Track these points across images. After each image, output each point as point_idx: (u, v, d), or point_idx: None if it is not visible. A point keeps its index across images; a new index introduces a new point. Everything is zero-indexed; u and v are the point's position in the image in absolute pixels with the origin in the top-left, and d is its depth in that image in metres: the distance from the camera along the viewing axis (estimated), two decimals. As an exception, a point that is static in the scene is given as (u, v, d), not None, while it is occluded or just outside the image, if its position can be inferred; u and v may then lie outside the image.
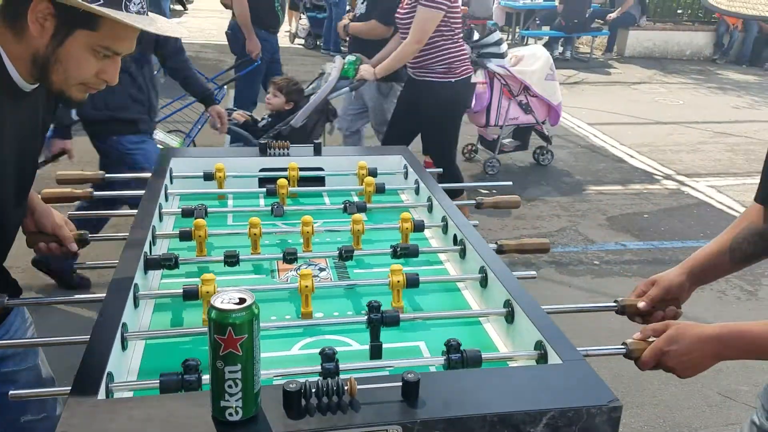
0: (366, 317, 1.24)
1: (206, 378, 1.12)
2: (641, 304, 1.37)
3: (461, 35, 3.68)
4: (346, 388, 0.99)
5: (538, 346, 1.20)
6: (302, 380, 0.99)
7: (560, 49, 10.85)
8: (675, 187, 5.37)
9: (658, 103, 8.16)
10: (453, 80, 3.61)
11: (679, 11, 11.81)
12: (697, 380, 2.72)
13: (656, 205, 4.92)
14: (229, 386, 0.92)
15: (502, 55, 5.09)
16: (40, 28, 1.14)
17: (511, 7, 11.35)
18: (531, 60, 5.25)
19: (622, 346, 1.21)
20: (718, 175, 5.69)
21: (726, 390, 2.79)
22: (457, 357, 1.14)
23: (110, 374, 1.07)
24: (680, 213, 4.77)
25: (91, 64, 1.19)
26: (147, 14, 1.22)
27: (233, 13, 5.01)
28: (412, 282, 1.43)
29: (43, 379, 1.66)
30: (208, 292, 1.33)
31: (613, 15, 10.90)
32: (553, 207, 4.73)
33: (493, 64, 5.03)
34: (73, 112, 2.66)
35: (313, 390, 0.98)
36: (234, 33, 5.13)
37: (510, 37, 11.84)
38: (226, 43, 5.47)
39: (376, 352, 1.25)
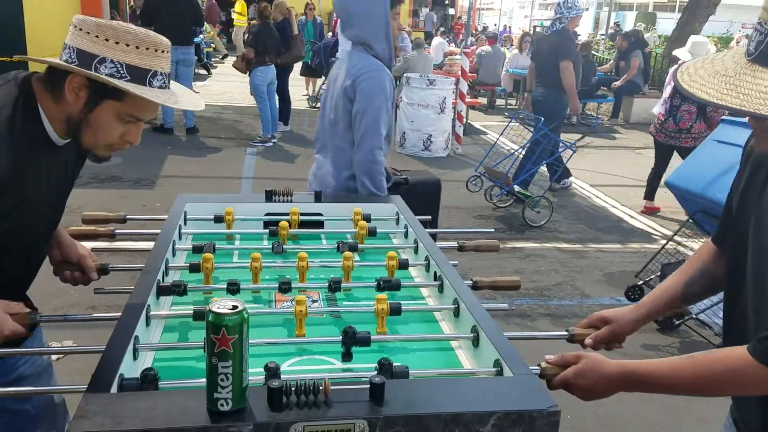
0: (341, 338, 1.42)
1: (176, 382, 1.30)
2: (588, 342, 1.54)
3: None
4: (321, 387, 1.16)
5: (496, 363, 1.36)
6: (284, 378, 1.16)
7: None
8: (672, 247, 5.50)
9: (661, 167, 8.37)
10: None
11: (683, 80, 12.15)
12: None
13: (653, 263, 5.04)
14: (222, 380, 1.10)
15: None
16: (74, 96, 1.37)
17: (519, 74, 11.79)
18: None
19: (537, 368, 1.37)
20: (715, 235, 5.82)
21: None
22: (386, 374, 1.28)
23: (122, 375, 1.25)
24: (676, 271, 4.89)
25: (117, 128, 1.41)
26: (168, 87, 1.43)
27: None
28: (395, 310, 1.61)
29: (55, 401, 1.84)
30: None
31: (618, 83, 11.28)
32: (551, 262, 4.88)
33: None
34: None
35: (293, 388, 1.15)
36: None
37: (518, 103, 12.26)
38: (245, 105, 5.82)
39: (347, 357, 1.44)
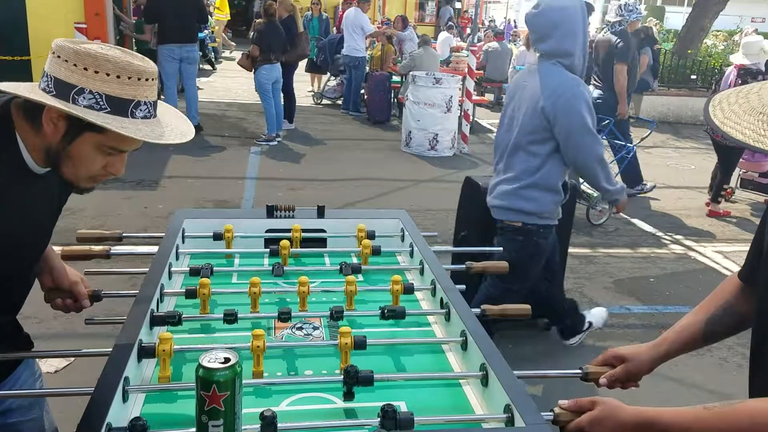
0: (342, 377, 1.34)
1: None
2: (602, 381, 1.45)
3: None
4: (320, 444, 1.08)
5: (507, 409, 1.29)
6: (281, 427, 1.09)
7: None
8: (682, 251, 5.41)
9: (670, 168, 8.26)
10: None
11: (693, 77, 12.02)
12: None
13: (663, 269, 4.96)
14: (213, 438, 1.02)
15: None
16: (53, 127, 1.27)
17: (527, 70, 11.63)
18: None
19: (550, 413, 1.29)
20: (725, 241, 5.73)
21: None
22: (390, 422, 1.21)
23: (109, 424, 1.17)
24: (686, 278, 4.81)
25: (98, 161, 1.32)
26: (155, 116, 1.32)
27: None
28: (359, 344, 1.51)
29: (46, 430, 1.76)
30: (164, 351, 1.41)
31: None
32: (560, 268, 4.79)
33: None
34: None
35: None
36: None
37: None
38: (250, 102, 5.75)
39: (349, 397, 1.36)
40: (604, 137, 6.11)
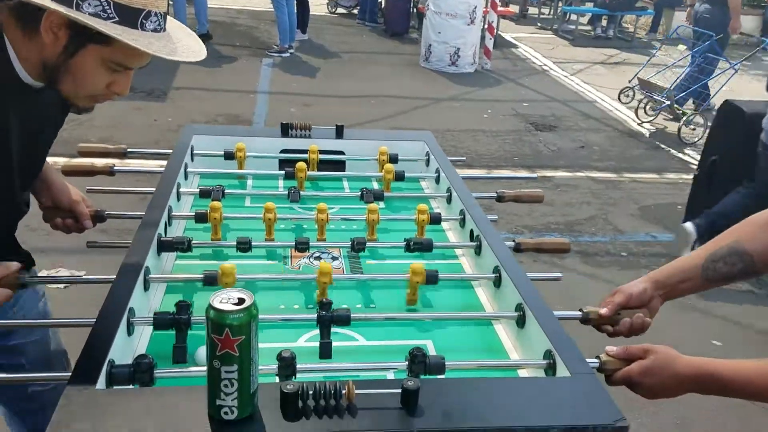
0: (316, 315, 1.22)
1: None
2: (603, 310, 1.30)
3: None
4: (344, 392, 0.97)
5: (547, 355, 1.17)
6: (300, 381, 0.98)
7: (603, 26, 10.54)
8: (712, 178, 5.20)
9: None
10: None
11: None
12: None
13: (691, 196, 4.77)
14: (225, 386, 0.91)
15: None
16: (53, 37, 1.10)
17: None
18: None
19: (595, 360, 1.17)
20: (758, 167, 5.49)
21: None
22: (419, 366, 1.10)
23: (112, 361, 1.07)
24: (715, 206, 4.62)
25: (102, 77, 1.15)
26: (164, 30, 1.16)
27: None
28: (431, 278, 1.40)
29: (51, 351, 1.68)
30: (227, 284, 1.33)
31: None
32: (584, 194, 4.63)
33: None
34: None
35: (311, 392, 0.97)
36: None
37: (552, 12, 11.54)
38: (261, 9, 5.45)
39: (325, 350, 1.23)
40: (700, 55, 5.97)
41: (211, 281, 1.36)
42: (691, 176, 5.19)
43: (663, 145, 5.86)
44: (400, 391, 0.98)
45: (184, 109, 5.74)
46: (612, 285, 3.42)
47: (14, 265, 1.32)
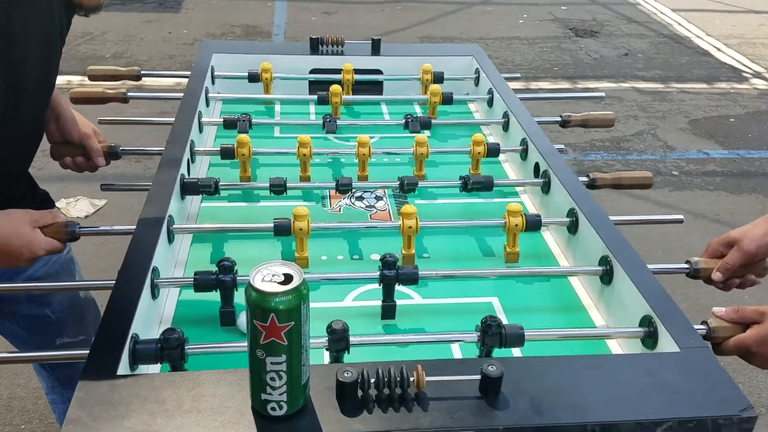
0: (378, 273, 1.05)
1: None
2: (716, 276, 1.11)
3: None
4: (412, 379, 0.81)
5: (646, 322, 0.99)
6: (360, 364, 0.81)
7: None
8: (766, 87, 4.82)
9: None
10: None
11: None
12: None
13: (744, 107, 4.43)
14: (272, 378, 0.75)
15: None
16: None
17: None
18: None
19: (703, 326, 0.99)
20: (818, 74, 5.09)
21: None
22: (494, 339, 0.93)
23: (135, 336, 0.91)
24: (772, 118, 4.30)
25: None
26: None
27: None
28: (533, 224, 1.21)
29: (80, 300, 1.55)
30: (301, 230, 1.16)
31: None
32: (629, 107, 4.31)
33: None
34: None
35: (372, 380, 0.80)
36: None
37: None
38: None
39: (388, 312, 1.08)
40: None
41: (284, 230, 1.17)
42: (744, 85, 4.83)
43: (713, 50, 5.43)
44: (479, 378, 0.81)
45: (198, 20, 5.42)
46: (664, 208, 3.22)
47: (60, 216, 1.16)
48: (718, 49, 5.49)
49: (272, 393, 0.76)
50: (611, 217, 1.22)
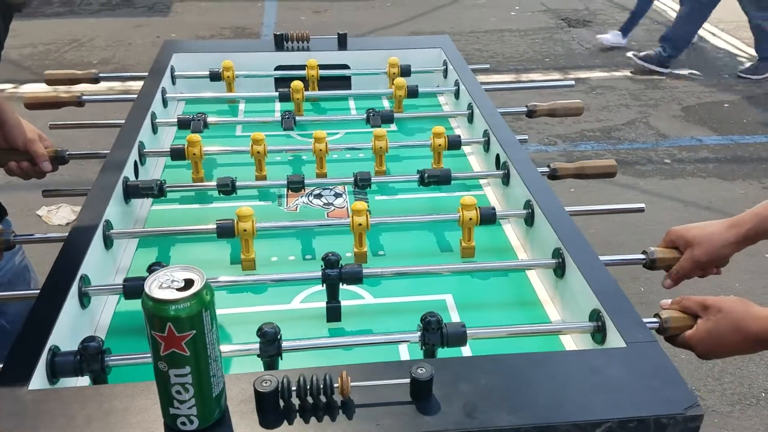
0: (320, 273, 1.00)
1: (135, 356, 0.93)
2: (666, 283, 1.09)
3: None
4: (336, 385, 0.76)
5: (595, 316, 0.93)
6: (283, 372, 0.77)
7: None
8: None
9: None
10: None
11: None
12: None
13: (738, 93, 4.35)
14: (178, 392, 0.70)
15: None
16: None
17: None
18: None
19: (654, 320, 0.94)
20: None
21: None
22: (435, 337, 0.88)
23: (54, 348, 0.87)
24: (766, 102, 4.20)
25: None
26: None
27: None
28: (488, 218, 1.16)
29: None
30: (245, 231, 1.11)
31: None
32: (621, 95, 4.23)
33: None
34: None
35: (293, 388, 0.76)
36: None
37: None
38: None
39: (333, 314, 1.03)
40: None
41: (228, 232, 1.13)
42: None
43: (708, 35, 5.34)
44: (408, 381, 0.76)
45: (188, 23, 5.39)
46: (654, 197, 3.15)
47: None
48: (713, 34, 5.40)
49: (180, 407, 0.71)
50: (571, 208, 1.17)
